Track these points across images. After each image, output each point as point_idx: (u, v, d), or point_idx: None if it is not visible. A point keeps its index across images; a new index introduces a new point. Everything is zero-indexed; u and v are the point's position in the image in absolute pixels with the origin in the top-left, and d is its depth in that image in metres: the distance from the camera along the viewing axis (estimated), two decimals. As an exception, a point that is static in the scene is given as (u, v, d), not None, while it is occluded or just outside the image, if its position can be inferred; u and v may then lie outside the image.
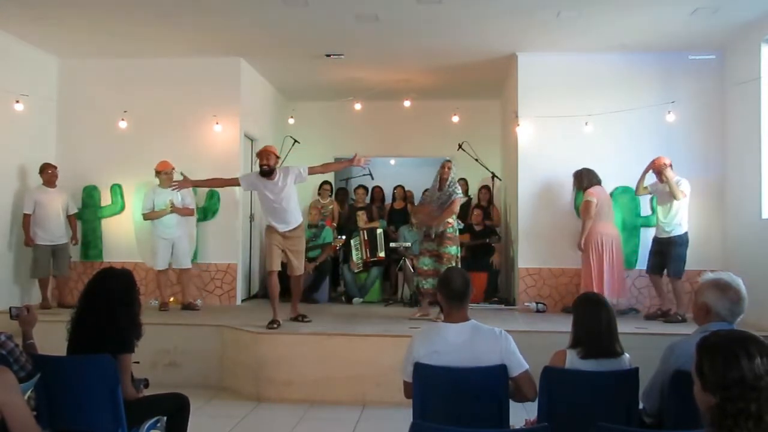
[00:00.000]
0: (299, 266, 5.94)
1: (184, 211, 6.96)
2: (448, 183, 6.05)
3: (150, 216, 6.87)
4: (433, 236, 6.01)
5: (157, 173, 6.92)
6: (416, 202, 8.37)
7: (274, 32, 6.71)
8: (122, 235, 7.61)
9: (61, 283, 7.08)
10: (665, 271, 6.35)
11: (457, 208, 6.12)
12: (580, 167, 6.73)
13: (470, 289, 2.89)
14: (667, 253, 6.25)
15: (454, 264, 5.87)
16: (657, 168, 6.35)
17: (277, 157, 5.85)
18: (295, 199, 5.87)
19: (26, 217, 6.79)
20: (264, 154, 5.69)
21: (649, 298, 7.02)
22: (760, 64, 6.19)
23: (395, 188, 9.16)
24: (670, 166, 6.30)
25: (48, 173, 6.92)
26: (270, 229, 5.83)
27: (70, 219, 7.12)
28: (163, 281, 6.97)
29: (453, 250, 6.00)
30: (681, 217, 6.25)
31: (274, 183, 5.68)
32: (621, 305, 6.50)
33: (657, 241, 6.44)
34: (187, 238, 7.08)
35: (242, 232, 7.82)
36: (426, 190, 6.26)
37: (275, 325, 5.59)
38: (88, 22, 6.42)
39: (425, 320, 5.98)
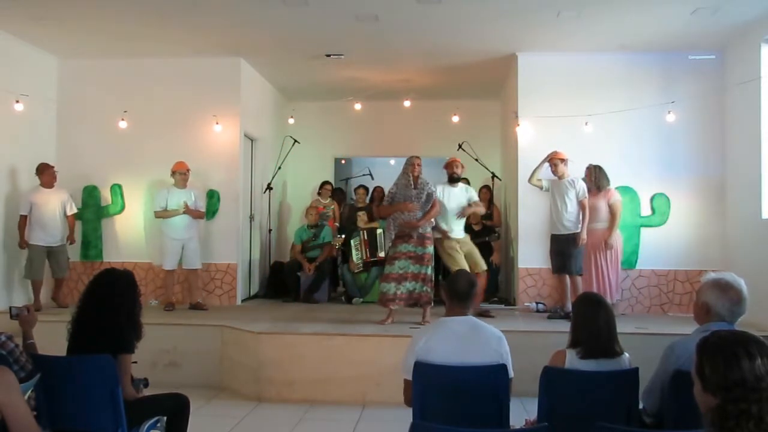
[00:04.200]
0: None
1: (195, 213, 6.96)
2: (420, 181, 5.87)
3: (162, 215, 6.87)
4: (415, 237, 5.80)
5: (173, 173, 6.93)
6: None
7: (274, 32, 6.70)
8: (122, 235, 7.62)
9: (59, 284, 7.04)
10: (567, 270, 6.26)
11: (439, 207, 6.04)
12: (586, 165, 6.52)
13: (474, 291, 2.99)
14: (566, 251, 6.15)
15: (432, 263, 5.88)
16: (551, 160, 6.37)
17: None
18: None
19: (22, 219, 6.70)
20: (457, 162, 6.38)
21: (649, 298, 7.02)
22: (760, 64, 6.19)
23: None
24: (565, 162, 6.33)
25: (48, 174, 6.81)
26: (445, 237, 6.14)
27: (69, 219, 7.02)
28: (170, 281, 6.96)
29: (431, 249, 5.92)
30: (579, 214, 6.20)
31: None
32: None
33: (555, 240, 6.38)
34: (197, 239, 7.07)
35: (242, 232, 7.82)
36: (392, 190, 5.94)
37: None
38: (88, 23, 6.42)
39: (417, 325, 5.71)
